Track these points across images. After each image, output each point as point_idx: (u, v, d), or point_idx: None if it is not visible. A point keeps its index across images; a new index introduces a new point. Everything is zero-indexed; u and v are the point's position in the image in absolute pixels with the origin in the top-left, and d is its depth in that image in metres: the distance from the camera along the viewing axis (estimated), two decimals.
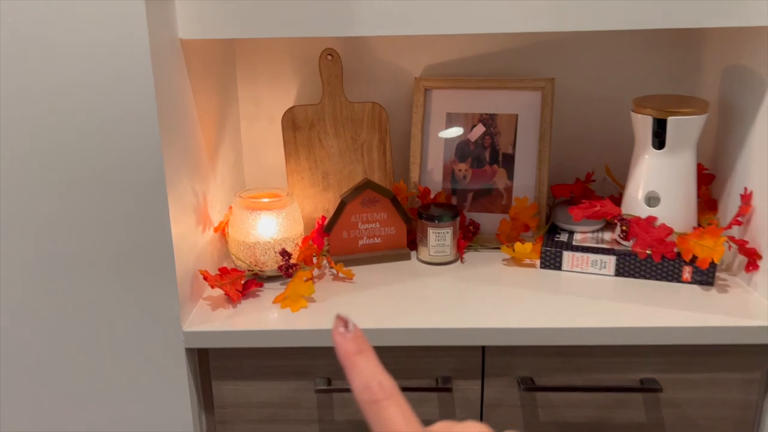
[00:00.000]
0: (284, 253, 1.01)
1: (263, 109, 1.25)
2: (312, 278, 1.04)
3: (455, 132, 1.19)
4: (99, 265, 0.88)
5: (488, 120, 1.18)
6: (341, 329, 0.35)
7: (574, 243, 1.10)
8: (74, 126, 0.83)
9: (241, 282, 0.99)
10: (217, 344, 0.93)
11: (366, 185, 1.10)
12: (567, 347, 0.94)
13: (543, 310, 0.95)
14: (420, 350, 0.93)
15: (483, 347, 0.94)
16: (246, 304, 0.98)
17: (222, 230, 1.08)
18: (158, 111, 0.83)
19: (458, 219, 1.11)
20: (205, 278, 0.96)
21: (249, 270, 1.03)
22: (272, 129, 1.24)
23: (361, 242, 1.12)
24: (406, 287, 1.03)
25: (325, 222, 1.12)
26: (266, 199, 1.05)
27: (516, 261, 1.11)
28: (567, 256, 1.07)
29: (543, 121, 1.16)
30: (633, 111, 1.05)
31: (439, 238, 1.09)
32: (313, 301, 0.98)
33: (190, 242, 0.96)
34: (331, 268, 1.07)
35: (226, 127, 1.16)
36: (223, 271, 0.99)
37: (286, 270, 1.01)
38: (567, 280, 1.05)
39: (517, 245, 1.09)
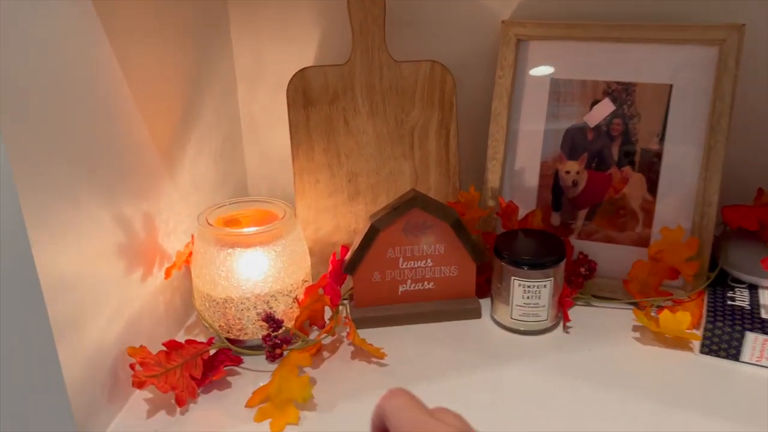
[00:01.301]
0: (270, 321, 0.62)
1: (267, 72, 0.84)
2: (316, 353, 0.65)
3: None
4: None
5: (620, 93, 0.72)
6: None
7: (763, 314, 0.64)
8: None
9: (200, 360, 0.61)
10: None
11: (412, 201, 0.68)
12: None
13: None
14: None
15: None
16: (204, 405, 0.60)
17: (187, 264, 0.69)
18: None
19: (564, 263, 0.67)
20: (132, 367, 0.58)
21: (218, 337, 0.65)
22: (280, 101, 0.83)
23: (402, 289, 0.71)
24: (471, 384, 0.62)
25: (346, 257, 0.71)
26: (249, 229, 0.64)
27: (658, 336, 0.67)
28: (752, 339, 0.62)
29: (719, 99, 0.68)
30: None
31: (530, 295, 0.67)
32: (312, 409, 0.59)
33: (113, 304, 0.58)
34: (350, 342, 0.66)
35: (205, 100, 0.75)
36: (172, 347, 0.61)
37: (272, 349, 0.61)
38: (753, 389, 0.60)
39: (665, 317, 0.64)
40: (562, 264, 0.67)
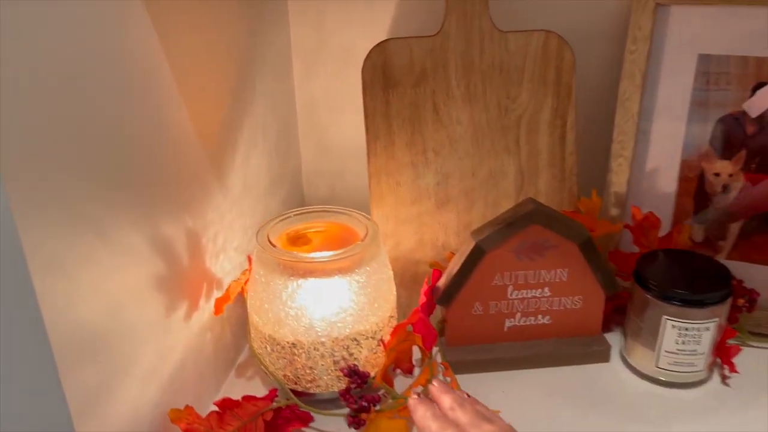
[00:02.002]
0: (353, 375, 0.47)
1: (330, 45, 0.68)
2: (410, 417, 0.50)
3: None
4: None
5: None
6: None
7: None
8: None
9: (261, 422, 0.47)
10: None
11: (530, 216, 0.52)
12: None
13: None
14: None
15: None
16: None
17: (241, 293, 0.55)
18: None
19: (730, 300, 0.52)
20: None
21: (282, 390, 0.50)
22: (350, 81, 0.68)
23: (509, 324, 0.56)
24: None
25: (438, 283, 0.56)
26: (325, 254, 0.49)
27: None
28: None
29: None
30: None
31: (687, 340, 0.51)
32: None
33: (150, 355, 0.44)
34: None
35: (256, 82, 0.60)
36: (226, 406, 0.47)
37: (356, 413, 0.47)
38: None
39: None
40: (729, 300, 0.51)
